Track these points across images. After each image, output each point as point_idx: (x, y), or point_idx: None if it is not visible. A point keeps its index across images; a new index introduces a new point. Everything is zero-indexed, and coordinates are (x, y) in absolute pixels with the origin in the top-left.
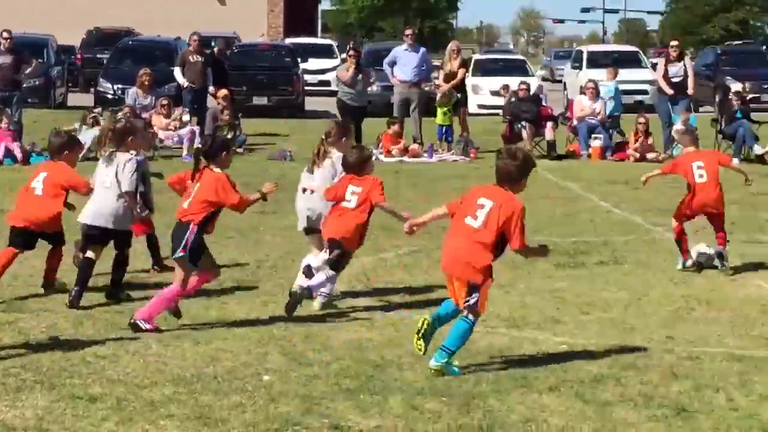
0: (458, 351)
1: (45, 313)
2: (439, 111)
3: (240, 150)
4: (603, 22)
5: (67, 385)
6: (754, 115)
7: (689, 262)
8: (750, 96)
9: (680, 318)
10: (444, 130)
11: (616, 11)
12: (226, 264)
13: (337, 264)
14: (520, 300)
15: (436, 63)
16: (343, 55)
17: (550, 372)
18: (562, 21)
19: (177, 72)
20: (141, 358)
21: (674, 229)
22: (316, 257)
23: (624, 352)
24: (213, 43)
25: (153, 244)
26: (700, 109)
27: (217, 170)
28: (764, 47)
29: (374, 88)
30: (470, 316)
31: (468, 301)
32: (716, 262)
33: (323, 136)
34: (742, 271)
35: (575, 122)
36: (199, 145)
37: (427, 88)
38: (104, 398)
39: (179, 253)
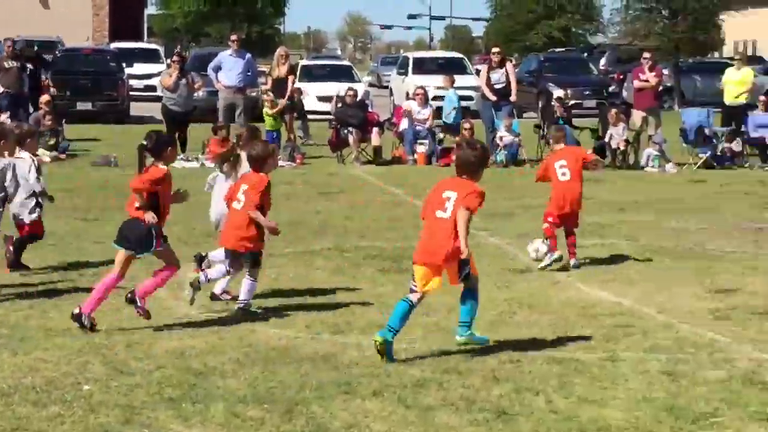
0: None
1: None
2: (267, 117)
3: (63, 156)
4: (429, 29)
5: None
6: (575, 121)
7: (557, 255)
8: (571, 102)
9: (503, 322)
10: (273, 135)
11: (442, 18)
12: (46, 269)
13: (255, 272)
14: (345, 305)
15: (264, 68)
16: (168, 61)
17: (374, 377)
18: (389, 27)
19: None
20: None
21: (544, 230)
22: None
23: (447, 356)
24: (15, 47)
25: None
26: (524, 115)
27: (163, 166)
28: (585, 54)
29: (200, 94)
30: (470, 288)
31: (461, 273)
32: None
33: (234, 141)
34: (563, 274)
35: (401, 127)
36: (143, 142)
37: (253, 94)
38: None
39: (157, 248)
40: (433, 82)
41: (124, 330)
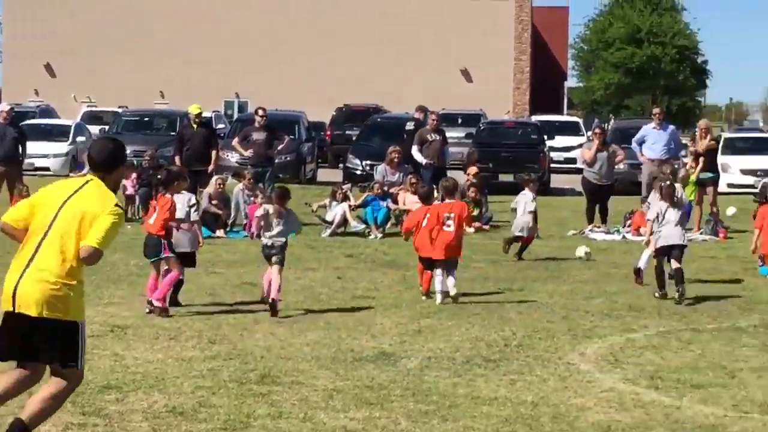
0: None
1: (296, 386)
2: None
3: (486, 227)
4: None
5: None
6: None
7: None
8: None
9: None
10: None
11: None
12: (471, 338)
13: None
14: None
15: (686, 141)
16: (589, 133)
17: None
18: None
19: (415, 150)
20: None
21: None
22: None
23: None
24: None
25: None
26: None
27: (168, 196)
28: None
29: (621, 167)
30: None
31: None
32: None
33: None
34: None
35: None
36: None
37: (676, 167)
38: None
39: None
40: None
41: (548, 402)
